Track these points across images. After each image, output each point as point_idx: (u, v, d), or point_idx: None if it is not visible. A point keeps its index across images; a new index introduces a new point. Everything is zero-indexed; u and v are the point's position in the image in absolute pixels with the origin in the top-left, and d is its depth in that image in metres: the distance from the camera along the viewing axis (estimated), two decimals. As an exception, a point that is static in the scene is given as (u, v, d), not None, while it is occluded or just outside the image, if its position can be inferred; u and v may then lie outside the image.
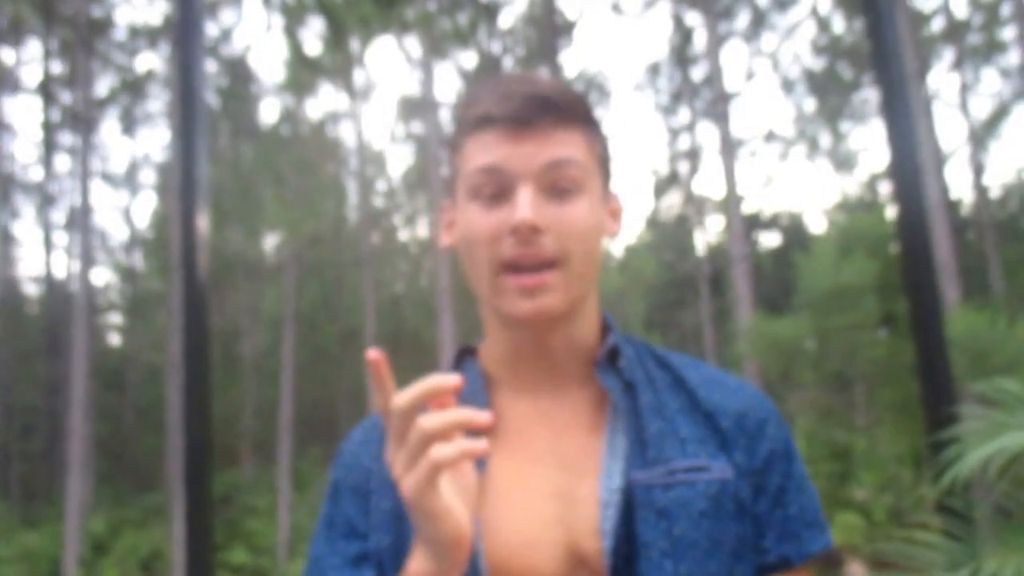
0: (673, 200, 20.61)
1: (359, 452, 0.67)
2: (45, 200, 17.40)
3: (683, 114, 17.94)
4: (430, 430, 0.48)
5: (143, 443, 17.36)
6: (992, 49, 14.25)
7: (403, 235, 20.57)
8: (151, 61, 18.09)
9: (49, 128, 16.34)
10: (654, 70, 17.52)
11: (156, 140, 25.51)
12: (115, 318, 20.94)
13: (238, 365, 16.59)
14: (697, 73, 16.68)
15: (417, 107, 16.07)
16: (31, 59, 16.55)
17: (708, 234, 19.01)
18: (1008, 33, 13.75)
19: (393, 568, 0.60)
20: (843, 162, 18.26)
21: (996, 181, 18.10)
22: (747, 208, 16.99)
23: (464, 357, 0.69)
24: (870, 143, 18.34)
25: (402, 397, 0.50)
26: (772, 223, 20.44)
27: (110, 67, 14.21)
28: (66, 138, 16.36)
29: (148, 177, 18.31)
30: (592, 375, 0.64)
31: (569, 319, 0.63)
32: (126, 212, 21.40)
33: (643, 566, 0.56)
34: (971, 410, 2.07)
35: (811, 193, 33.24)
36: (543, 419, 0.63)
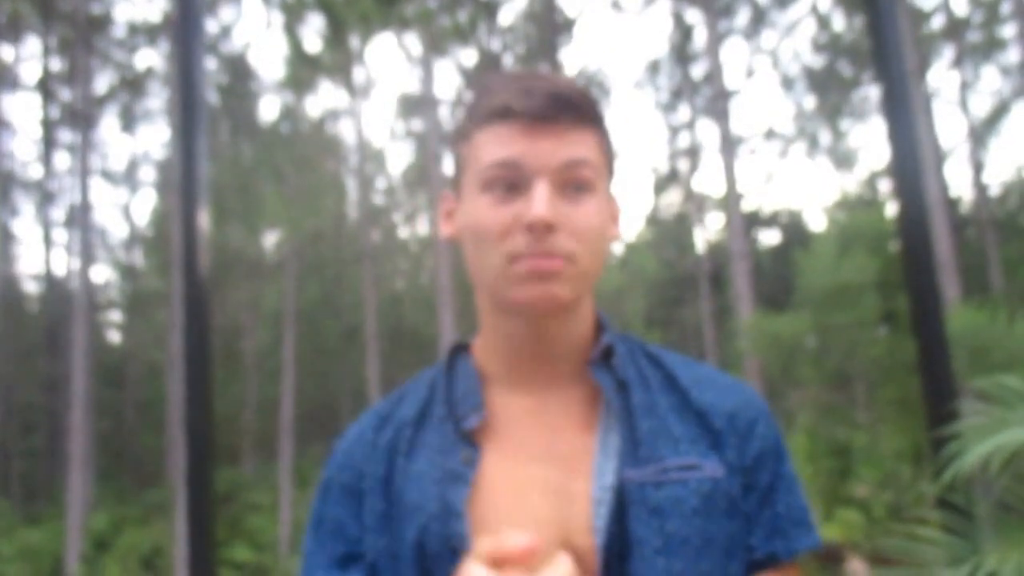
0: (673, 198, 20.61)
1: (352, 451, 0.66)
2: (45, 198, 17.39)
3: (683, 112, 17.93)
4: None
5: (143, 440, 17.38)
6: (992, 47, 14.23)
7: (403, 232, 20.57)
8: (150, 58, 18.06)
9: (48, 125, 16.32)
10: (654, 68, 17.50)
11: (155, 137, 25.51)
12: (115, 315, 20.95)
13: (239, 362, 16.60)
14: (697, 70, 16.66)
15: (417, 104, 16.05)
16: (30, 56, 16.53)
17: (708, 232, 19.01)
18: (1008, 31, 13.73)
19: (389, 570, 0.60)
20: (843, 160, 18.26)
21: (996, 179, 18.11)
22: (747, 206, 17.00)
23: (458, 353, 0.69)
24: (870, 141, 18.35)
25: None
26: (772, 221, 20.43)
27: (109, 64, 14.18)
28: (65, 135, 16.34)
29: (147, 174, 18.31)
30: (586, 373, 0.64)
31: (567, 315, 0.63)
32: (126, 209, 21.40)
33: (636, 563, 0.57)
34: (972, 406, 2.08)
35: (811, 191, 33.24)
36: (537, 416, 0.63)
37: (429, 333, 15.21)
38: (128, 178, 18.26)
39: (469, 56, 14.09)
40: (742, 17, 15.69)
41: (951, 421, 1.95)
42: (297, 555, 11.29)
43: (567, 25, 14.31)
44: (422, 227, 19.70)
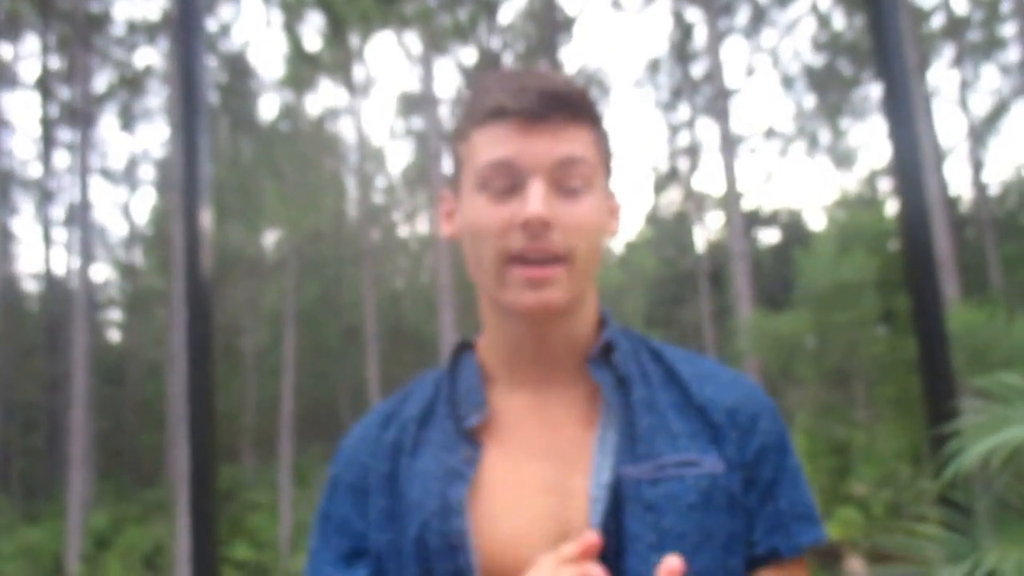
0: (673, 196, 20.61)
1: (358, 449, 0.67)
2: (44, 196, 17.37)
3: (683, 110, 17.92)
4: None
5: (144, 439, 17.38)
6: (992, 46, 14.23)
7: (403, 231, 20.56)
8: (149, 57, 18.02)
9: (48, 124, 16.30)
10: (654, 66, 17.49)
11: (155, 136, 25.47)
12: (115, 314, 20.94)
13: (239, 361, 16.60)
14: (697, 69, 16.65)
15: (417, 103, 16.03)
16: (29, 54, 16.50)
17: (708, 230, 19.02)
18: (1008, 30, 13.74)
19: (393, 565, 0.61)
20: (843, 159, 18.25)
21: (995, 178, 18.11)
22: (747, 204, 16.99)
23: (462, 351, 0.69)
24: (870, 140, 18.35)
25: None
26: (772, 220, 20.43)
27: (108, 63, 14.16)
28: (65, 134, 16.32)
29: (147, 173, 18.29)
30: (587, 370, 0.64)
31: (568, 314, 0.63)
32: (125, 208, 21.40)
33: (630, 559, 0.57)
34: (971, 404, 2.09)
35: (811, 190, 33.21)
36: (538, 414, 0.64)
37: (429, 332, 15.21)
38: (128, 177, 18.24)
39: (469, 55, 14.08)
40: (742, 16, 15.69)
41: (951, 419, 1.96)
42: (297, 553, 11.31)
43: (567, 23, 14.30)
44: (422, 226, 19.70)
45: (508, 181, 0.60)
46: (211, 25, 13.25)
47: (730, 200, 11.50)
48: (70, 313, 12.99)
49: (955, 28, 13.77)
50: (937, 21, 13.96)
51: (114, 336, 21.07)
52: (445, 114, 13.95)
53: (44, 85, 15.34)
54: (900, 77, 2.22)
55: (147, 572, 11.43)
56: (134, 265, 19.73)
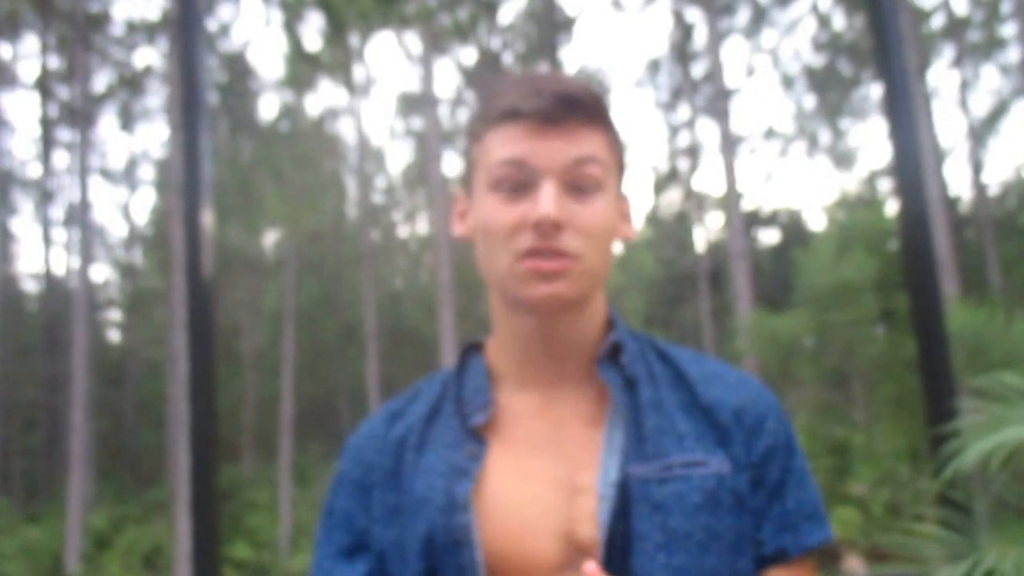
0: (673, 197, 20.61)
1: (364, 446, 0.68)
2: (44, 196, 17.37)
3: (683, 111, 17.93)
4: None
5: (143, 439, 17.39)
6: (992, 46, 14.24)
7: (403, 231, 20.56)
8: (149, 56, 18.02)
9: (47, 124, 16.30)
10: (654, 66, 17.50)
11: (155, 136, 25.44)
12: (115, 314, 20.94)
13: (238, 361, 16.60)
14: (697, 69, 16.66)
15: (417, 103, 16.03)
16: (29, 54, 16.52)
17: (708, 231, 19.04)
18: (1008, 30, 13.75)
19: (397, 561, 0.62)
20: (843, 159, 18.27)
21: (995, 178, 18.13)
22: (747, 205, 17.01)
23: (470, 352, 0.70)
24: (870, 140, 18.37)
25: None
26: (772, 220, 20.45)
27: (108, 63, 14.15)
28: (64, 134, 16.32)
29: (147, 173, 18.30)
30: (595, 370, 0.65)
31: (576, 312, 0.64)
32: (125, 208, 21.41)
33: (637, 558, 0.57)
34: (970, 404, 2.09)
35: (811, 190, 33.23)
36: (545, 413, 0.64)
37: (428, 332, 15.21)
38: (127, 177, 18.25)
39: (469, 55, 14.09)
40: (742, 16, 15.70)
41: (950, 419, 1.96)
42: (297, 553, 11.31)
43: (567, 24, 14.31)
44: (422, 226, 19.70)
45: (520, 181, 0.61)
46: (211, 25, 13.25)
47: (730, 200, 11.51)
48: (70, 313, 12.99)
49: (955, 28, 13.78)
50: (937, 21, 13.98)
51: (114, 336, 21.08)
52: (445, 114, 13.97)
53: (44, 85, 15.34)
54: (900, 77, 2.23)
55: (147, 572, 11.43)
56: (134, 265, 19.73)
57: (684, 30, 16.23)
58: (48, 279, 18.00)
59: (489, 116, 0.63)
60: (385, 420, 0.69)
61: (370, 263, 14.22)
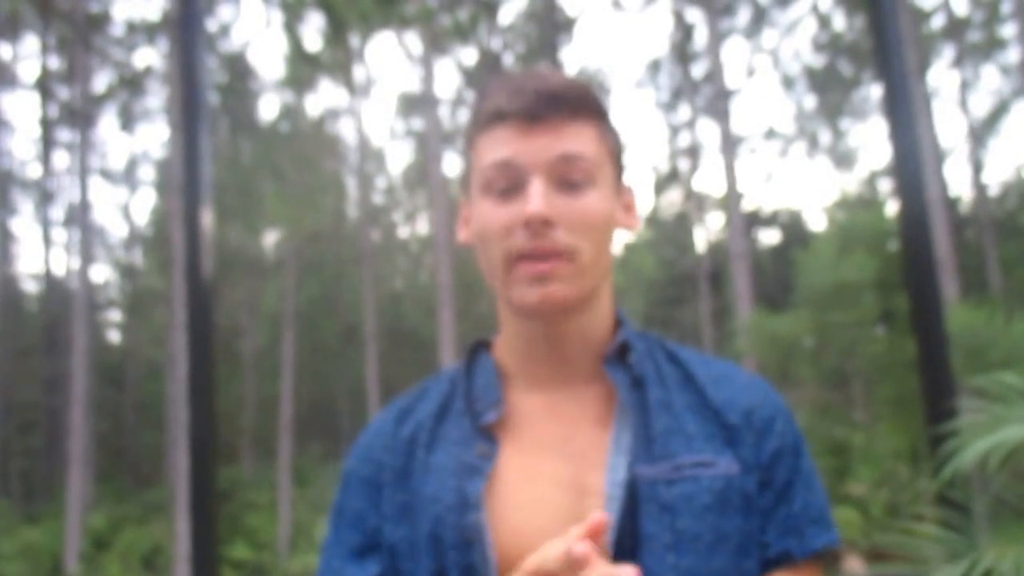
0: (673, 197, 20.61)
1: (373, 444, 0.67)
2: (44, 197, 17.37)
3: (683, 111, 17.94)
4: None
5: (143, 439, 17.39)
6: (992, 47, 14.24)
7: (403, 232, 20.57)
8: (149, 57, 18.04)
9: (47, 124, 16.30)
10: (655, 67, 17.50)
11: (155, 136, 25.46)
12: (115, 315, 20.94)
13: (238, 362, 16.61)
14: (698, 70, 16.67)
15: (417, 103, 16.04)
16: (29, 55, 16.52)
17: (708, 231, 19.04)
18: (1008, 30, 13.75)
19: (407, 560, 0.61)
20: (843, 159, 18.27)
21: (995, 179, 18.14)
22: (747, 205, 17.00)
23: (479, 350, 0.70)
24: (870, 140, 18.37)
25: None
26: (772, 220, 20.45)
27: (108, 63, 14.16)
28: (64, 134, 16.32)
29: (147, 174, 18.30)
30: (603, 370, 0.64)
31: (580, 312, 0.63)
32: (125, 209, 21.41)
33: (645, 558, 0.57)
34: (970, 404, 2.09)
35: (811, 190, 33.23)
36: (554, 413, 0.64)
37: (428, 333, 15.21)
38: (127, 177, 18.25)
39: (469, 55, 14.10)
40: (743, 16, 15.71)
41: (950, 418, 1.96)
42: (296, 554, 11.31)
43: (567, 24, 14.32)
44: (422, 226, 19.70)
45: (510, 181, 0.61)
46: (211, 25, 13.25)
47: (730, 201, 11.51)
48: (70, 313, 12.99)
49: (955, 29, 13.78)
50: (937, 22, 13.98)
51: (114, 337, 21.08)
52: (445, 115, 13.97)
53: (44, 85, 15.34)
54: (900, 78, 2.23)
55: (146, 572, 11.43)
56: (134, 266, 19.73)
57: (684, 30, 16.25)
58: (48, 279, 18.00)
59: (478, 121, 0.64)
60: (395, 418, 0.68)
61: (370, 264, 14.22)
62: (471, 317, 13.70)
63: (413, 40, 12.59)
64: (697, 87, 16.78)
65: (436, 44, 12.36)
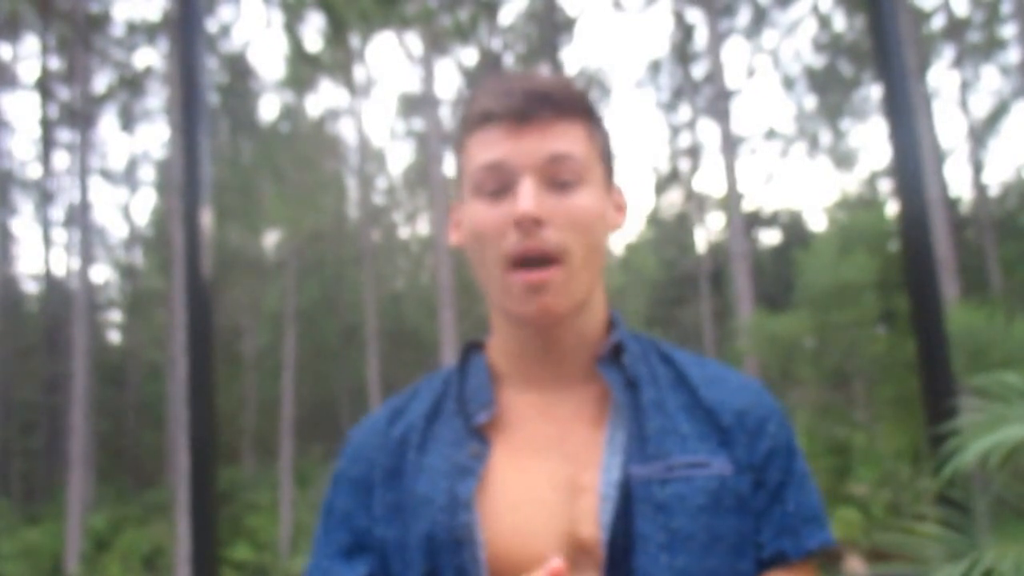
0: (674, 198, 20.63)
1: (364, 444, 0.67)
2: (44, 197, 17.39)
3: (684, 111, 17.95)
4: None
5: (143, 440, 17.40)
6: (992, 47, 14.25)
7: (403, 232, 20.58)
8: (149, 57, 18.06)
9: (47, 125, 16.32)
10: (655, 67, 17.52)
11: (155, 136, 25.48)
12: (115, 315, 20.95)
13: (239, 362, 16.61)
14: (698, 70, 16.68)
15: (418, 104, 16.05)
16: (29, 55, 16.53)
17: (709, 231, 19.03)
18: (1008, 31, 13.75)
19: (398, 560, 0.61)
20: (843, 159, 18.28)
21: (995, 179, 18.14)
22: (748, 205, 17.01)
23: (472, 351, 0.70)
24: (870, 141, 18.38)
25: None
26: (772, 220, 20.46)
27: (108, 63, 14.17)
28: (64, 135, 16.34)
29: (147, 174, 18.31)
30: (596, 371, 0.64)
31: (575, 315, 0.63)
32: (125, 209, 21.41)
33: (639, 558, 0.57)
34: (970, 404, 2.09)
35: (811, 190, 33.24)
36: (547, 413, 0.64)
37: (429, 333, 15.21)
38: (127, 177, 18.26)
39: (470, 55, 14.11)
40: (743, 17, 15.71)
41: (950, 418, 1.96)
42: (297, 554, 11.31)
43: (568, 24, 14.33)
44: (422, 227, 19.71)
45: (500, 183, 0.61)
46: (211, 25, 13.26)
47: (731, 201, 11.52)
48: (70, 314, 13.00)
49: (955, 29, 13.79)
50: (937, 22, 13.98)
51: (114, 337, 21.08)
52: (446, 115, 13.96)
53: (44, 85, 15.35)
54: (900, 78, 2.23)
55: (146, 573, 11.44)
56: (134, 266, 19.74)
57: (685, 31, 16.25)
58: (48, 280, 18.01)
59: (468, 123, 0.64)
60: (386, 418, 0.68)
61: (371, 264, 14.23)
62: (472, 318, 13.70)
63: (413, 40, 12.60)
64: (697, 87, 16.79)
65: (436, 44, 12.37)
